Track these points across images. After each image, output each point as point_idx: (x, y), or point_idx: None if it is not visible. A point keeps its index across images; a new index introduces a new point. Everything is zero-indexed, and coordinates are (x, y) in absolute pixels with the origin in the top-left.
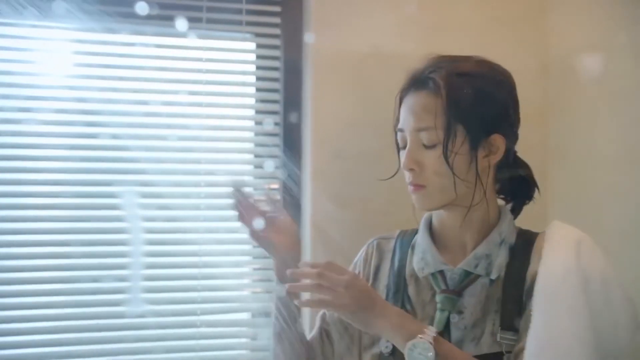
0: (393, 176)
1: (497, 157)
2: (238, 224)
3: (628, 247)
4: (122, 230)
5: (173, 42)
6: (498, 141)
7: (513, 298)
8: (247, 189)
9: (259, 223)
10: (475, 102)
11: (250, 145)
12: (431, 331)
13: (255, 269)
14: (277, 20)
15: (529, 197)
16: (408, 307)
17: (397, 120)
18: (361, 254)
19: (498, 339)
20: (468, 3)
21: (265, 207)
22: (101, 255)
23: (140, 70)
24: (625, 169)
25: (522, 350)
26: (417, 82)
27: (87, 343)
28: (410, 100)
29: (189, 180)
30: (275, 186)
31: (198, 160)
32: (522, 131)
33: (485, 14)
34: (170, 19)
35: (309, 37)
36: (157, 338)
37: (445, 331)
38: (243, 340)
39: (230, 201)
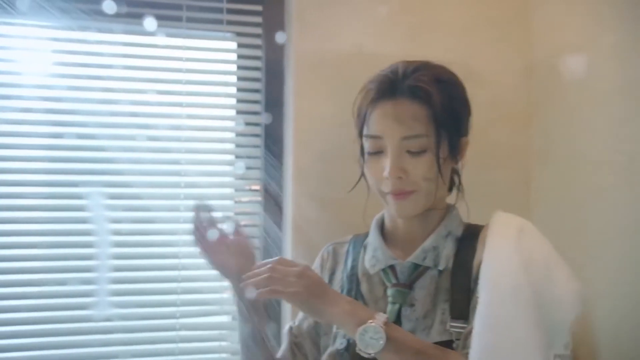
0: (356, 184)
1: (462, 156)
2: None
3: (611, 247)
4: (97, 232)
5: (152, 42)
6: (464, 143)
7: (461, 287)
8: (209, 212)
9: (214, 247)
10: (455, 108)
11: (230, 146)
12: (382, 317)
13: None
14: (258, 19)
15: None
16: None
17: (364, 126)
18: (317, 260)
19: (448, 328)
20: (451, 3)
21: (223, 230)
22: (80, 257)
23: (119, 70)
24: (608, 170)
25: (469, 332)
26: (396, 89)
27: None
28: (390, 107)
29: (169, 181)
30: (256, 187)
31: (178, 161)
32: (506, 132)
33: (469, 15)
34: (150, 17)
35: (290, 37)
36: (136, 342)
37: (397, 323)
38: (224, 343)
39: (191, 223)
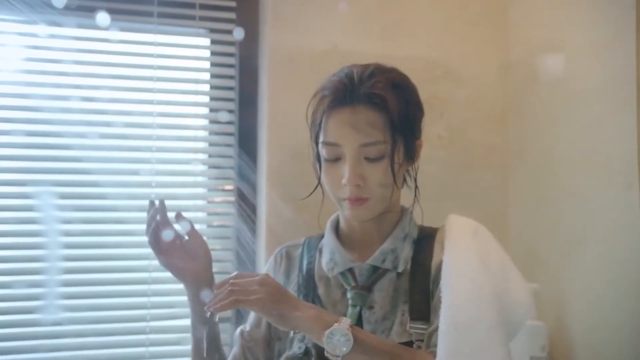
0: (312, 193)
1: (417, 158)
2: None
3: (587, 247)
4: (67, 233)
5: (122, 37)
6: (419, 145)
7: (420, 289)
8: (163, 210)
9: (168, 248)
10: (410, 112)
11: (203, 145)
12: (346, 321)
13: None
14: (232, 15)
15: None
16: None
17: (320, 133)
18: (270, 263)
19: (408, 329)
20: (427, 1)
21: (175, 229)
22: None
23: (87, 66)
24: (585, 170)
25: (434, 331)
26: (353, 96)
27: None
28: (347, 115)
29: (139, 180)
30: (229, 187)
31: (148, 160)
32: (482, 131)
33: (445, 13)
34: (120, 12)
35: (264, 34)
36: (104, 346)
37: (358, 326)
38: None
39: (145, 221)
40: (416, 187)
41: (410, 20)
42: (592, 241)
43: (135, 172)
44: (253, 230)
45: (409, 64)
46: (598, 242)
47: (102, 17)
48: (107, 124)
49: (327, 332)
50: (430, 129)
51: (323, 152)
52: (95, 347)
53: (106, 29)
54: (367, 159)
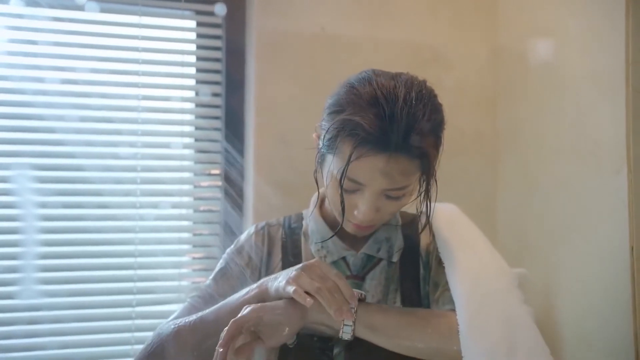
0: (340, 227)
1: None
2: (176, 211)
3: (575, 234)
4: (50, 218)
5: (106, 19)
6: None
7: (410, 275)
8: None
9: None
10: (439, 143)
11: (190, 129)
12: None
13: (195, 258)
14: None
15: None
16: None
17: (345, 166)
18: (249, 238)
19: None
20: None
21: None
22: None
23: (70, 48)
24: (574, 157)
25: (442, 293)
26: (391, 144)
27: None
28: (381, 162)
29: (124, 164)
30: (216, 171)
31: (134, 144)
32: (472, 118)
33: None
34: None
35: (252, 16)
36: (90, 331)
37: None
38: None
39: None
40: (428, 202)
41: (400, 4)
42: (580, 228)
43: (120, 156)
44: (240, 215)
45: (398, 48)
46: (586, 228)
47: None
48: (91, 107)
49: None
50: None
51: (344, 182)
52: (79, 333)
53: (90, 10)
54: (387, 196)
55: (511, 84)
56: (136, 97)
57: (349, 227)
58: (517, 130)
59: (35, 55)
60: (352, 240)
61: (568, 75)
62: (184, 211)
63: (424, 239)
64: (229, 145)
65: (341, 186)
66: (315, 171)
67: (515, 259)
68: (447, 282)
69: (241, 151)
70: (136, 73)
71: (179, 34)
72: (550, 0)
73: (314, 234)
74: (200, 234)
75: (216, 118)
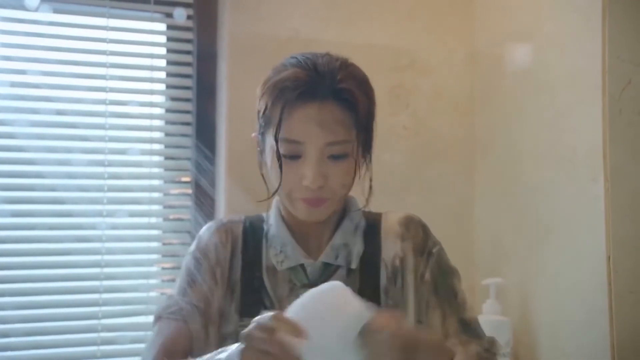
0: (275, 193)
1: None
2: (145, 219)
3: (552, 240)
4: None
5: (73, 20)
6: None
7: (370, 285)
8: None
9: None
10: (372, 111)
11: (159, 135)
12: None
13: (164, 269)
14: None
15: None
16: (267, 302)
17: (279, 128)
18: (212, 235)
19: None
20: None
21: None
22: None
23: (34, 51)
24: (551, 162)
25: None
26: (320, 91)
27: None
28: (313, 111)
29: (90, 171)
30: (187, 179)
31: (101, 150)
32: (448, 122)
33: (411, 1)
34: None
35: (223, 19)
36: (55, 344)
37: None
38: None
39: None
40: (370, 185)
41: (376, 7)
42: (557, 236)
43: (86, 163)
44: None
45: (374, 53)
46: (563, 236)
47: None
48: (56, 112)
49: None
50: (396, 119)
51: (282, 148)
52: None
53: (55, 12)
54: (330, 157)
55: (488, 89)
56: (103, 102)
57: (299, 210)
58: (494, 136)
59: None
60: (309, 246)
61: (545, 81)
62: (153, 220)
63: (390, 247)
64: (200, 152)
65: (278, 152)
66: (261, 167)
67: (491, 266)
68: (449, 305)
69: (212, 158)
70: (103, 77)
71: (149, 37)
72: (528, 5)
73: (273, 237)
74: (169, 244)
75: (187, 124)
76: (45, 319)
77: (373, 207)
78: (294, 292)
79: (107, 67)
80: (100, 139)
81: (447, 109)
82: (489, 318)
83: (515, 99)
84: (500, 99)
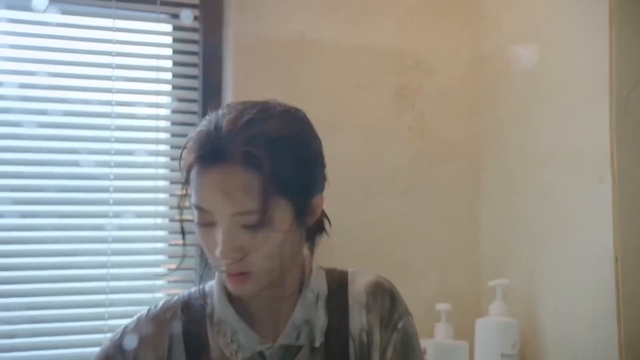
0: (177, 268)
1: (315, 216)
2: (151, 220)
3: (558, 242)
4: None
5: (79, 22)
6: (318, 202)
7: None
8: None
9: None
10: (296, 170)
11: (165, 136)
12: None
13: (170, 270)
14: (195, 0)
15: (324, 231)
16: None
17: (191, 191)
18: (139, 329)
19: None
20: None
21: None
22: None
23: (40, 52)
24: (556, 163)
25: None
26: (220, 153)
27: None
28: (215, 176)
29: (96, 173)
30: None
31: (107, 151)
32: (454, 123)
33: (416, 2)
34: None
35: (229, 20)
36: (61, 345)
37: None
38: None
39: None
40: (313, 243)
41: (381, 8)
42: (564, 236)
43: (92, 164)
44: None
45: (380, 54)
46: (570, 238)
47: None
48: (63, 113)
49: None
50: (401, 121)
51: (195, 216)
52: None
53: (62, 13)
54: (244, 226)
55: (494, 90)
56: (109, 103)
57: (227, 284)
58: (500, 137)
59: (3, 59)
60: (266, 329)
61: (552, 82)
62: (159, 220)
63: (356, 318)
64: None
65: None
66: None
67: (498, 267)
68: None
69: None
70: (109, 78)
71: (154, 38)
72: (533, 7)
73: (220, 322)
74: (176, 245)
75: (192, 125)
76: (51, 319)
77: (381, 208)
78: None
79: (113, 68)
80: (107, 139)
81: (453, 110)
82: (496, 319)
83: (521, 100)
84: (506, 100)
